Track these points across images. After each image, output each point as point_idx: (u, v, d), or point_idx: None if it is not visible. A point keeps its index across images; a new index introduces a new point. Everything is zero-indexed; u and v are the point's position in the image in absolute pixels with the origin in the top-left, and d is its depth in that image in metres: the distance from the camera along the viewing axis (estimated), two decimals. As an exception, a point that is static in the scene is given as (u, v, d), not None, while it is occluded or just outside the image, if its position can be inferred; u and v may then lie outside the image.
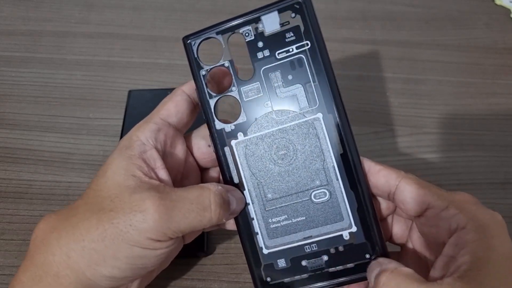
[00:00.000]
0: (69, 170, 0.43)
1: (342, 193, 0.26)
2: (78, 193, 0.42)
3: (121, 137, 0.45)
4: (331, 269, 0.26)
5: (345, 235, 0.26)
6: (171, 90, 0.49)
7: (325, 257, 0.27)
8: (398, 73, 0.54)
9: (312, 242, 0.27)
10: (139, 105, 0.47)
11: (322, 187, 0.26)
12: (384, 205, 0.28)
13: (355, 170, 0.26)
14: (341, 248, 0.26)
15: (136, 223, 0.24)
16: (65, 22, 0.58)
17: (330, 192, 0.26)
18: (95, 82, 0.51)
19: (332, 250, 0.26)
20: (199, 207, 0.24)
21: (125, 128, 0.45)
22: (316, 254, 0.27)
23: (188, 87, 0.29)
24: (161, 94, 0.49)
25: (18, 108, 0.48)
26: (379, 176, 0.26)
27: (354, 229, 0.26)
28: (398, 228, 0.29)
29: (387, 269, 0.23)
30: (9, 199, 0.41)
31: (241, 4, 0.61)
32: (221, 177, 0.28)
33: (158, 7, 0.60)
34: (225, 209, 0.25)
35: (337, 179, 0.26)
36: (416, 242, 0.28)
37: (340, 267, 0.26)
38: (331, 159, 0.26)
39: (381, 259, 0.25)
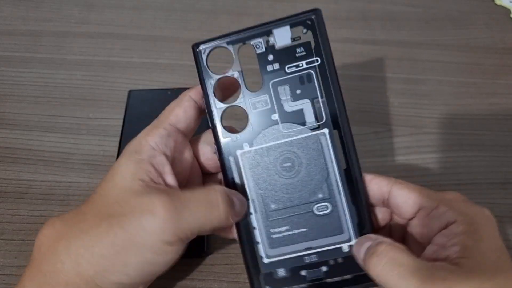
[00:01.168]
0: (69, 170, 0.43)
1: (343, 207, 0.27)
2: (78, 193, 0.42)
3: (121, 137, 0.45)
4: (329, 280, 0.27)
5: (345, 247, 0.27)
6: (171, 90, 0.50)
7: (324, 268, 0.27)
8: (398, 73, 0.54)
9: (312, 253, 0.27)
10: (139, 105, 0.47)
11: (324, 201, 0.27)
12: (380, 216, 0.29)
13: (357, 186, 0.27)
14: (340, 260, 0.27)
15: (146, 225, 0.24)
16: (65, 22, 0.58)
17: (332, 206, 0.27)
18: (95, 82, 0.51)
19: (331, 262, 0.27)
20: (208, 205, 0.25)
21: (125, 128, 0.45)
22: (315, 265, 0.27)
23: (195, 93, 0.29)
24: (161, 94, 0.49)
25: (18, 108, 0.48)
26: (371, 185, 0.27)
27: (353, 242, 0.27)
28: (396, 238, 0.29)
29: (384, 241, 0.24)
30: (9, 199, 0.41)
31: (240, 4, 0.61)
32: (223, 184, 0.29)
33: (158, 7, 0.60)
34: (232, 207, 0.25)
35: (340, 194, 0.27)
36: (412, 247, 0.28)
37: (338, 278, 0.27)
38: (335, 173, 0.27)
39: (371, 235, 0.26)
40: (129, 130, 0.45)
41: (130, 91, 0.48)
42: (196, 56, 0.27)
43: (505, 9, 0.62)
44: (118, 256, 0.24)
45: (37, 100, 0.49)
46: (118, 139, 0.45)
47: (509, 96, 0.52)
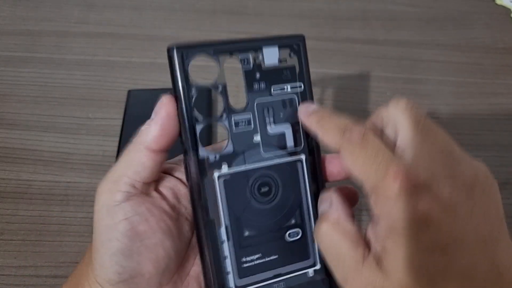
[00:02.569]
0: (69, 170, 0.43)
1: (311, 233, 0.27)
2: (78, 193, 0.42)
3: (121, 137, 0.45)
4: None
5: (310, 272, 0.27)
6: (170, 90, 0.49)
7: None
8: (398, 73, 0.54)
9: (281, 280, 0.27)
10: (139, 105, 0.47)
11: (296, 226, 0.27)
12: None
13: None
14: (305, 285, 0.27)
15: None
16: (64, 22, 0.58)
17: (302, 231, 0.27)
18: (95, 82, 0.51)
19: (297, 287, 0.27)
20: None
21: (125, 128, 0.45)
22: None
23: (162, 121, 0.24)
24: (161, 94, 0.49)
25: (17, 108, 0.48)
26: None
27: (318, 266, 0.27)
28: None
29: (328, 219, 0.24)
30: (8, 199, 0.41)
31: (240, 4, 0.61)
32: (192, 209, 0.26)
33: (158, 7, 0.60)
34: None
35: (310, 219, 0.27)
36: None
37: None
38: (307, 199, 0.27)
39: (333, 196, 0.25)
40: (129, 130, 0.45)
41: (129, 91, 0.48)
42: (176, 60, 0.24)
43: (505, 9, 0.62)
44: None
45: (37, 100, 0.49)
46: (117, 139, 0.45)
47: (509, 96, 0.52)
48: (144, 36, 0.56)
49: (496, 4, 0.63)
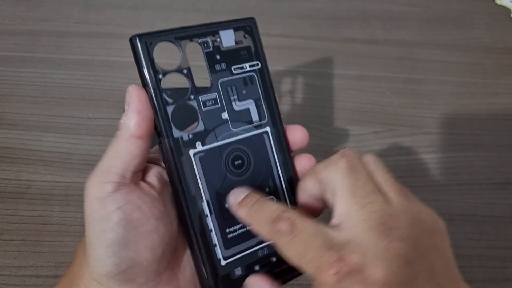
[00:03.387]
0: (68, 170, 0.43)
1: (286, 198, 0.29)
2: (78, 193, 0.42)
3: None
4: (278, 269, 0.28)
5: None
6: (170, 90, 0.49)
7: (274, 259, 0.28)
8: (398, 73, 0.54)
9: (264, 246, 0.28)
10: (139, 105, 0.47)
11: (271, 194, 0.28)
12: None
13: (293, 175, 0.29)
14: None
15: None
16: (64, 22, 0.58)
17: (276, 198, 0.28)
18: (95, 82, 0.51)
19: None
20: None
21: (125, 128, 0.45)
22: (267, 257, 0.28)
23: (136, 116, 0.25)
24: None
25: (17, 108, 0.48)
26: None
27: None
28: None
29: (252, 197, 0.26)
30: (8, 199, 0.41)
31: (240, 4, 0.61)
32: (171, 189, 0.27)
33: (158, 7, 0.60)
34: None
35: (282, 186, 0.29)
36: None
37: (285, 266, 0.28)
38: (277, 168, 0.29)
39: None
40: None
41: (129, 91, 0.48)
42: (141, 48, 0.27)
43: (505, 9, 0.62)
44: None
45: (36, 100, 0.49)
46: (117, 139, 0.45)
47: (509, 96, 0.52)
48: (144, 36, 0.56)
49: (496, 4, 0.63)
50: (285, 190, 0.29)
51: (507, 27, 0.60)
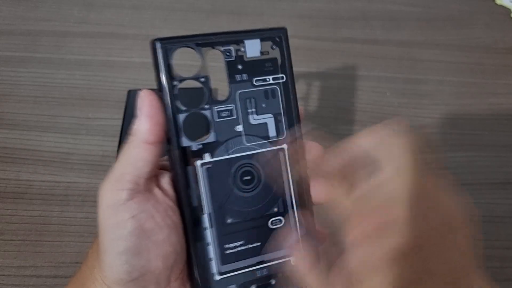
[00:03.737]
0: (68, 170, 0.43)
1: (295, 219, 0.28)
2: (77, 193, 0.42)
3: (121, 137, 0.45)
4: None
5: (293, 259, 0.27)
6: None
7: (273, 281, 0.27)
8: (398, 73, 0.54)
9: (263, 267, 0.27)
10: (139, 105, 0.47)
11: (279, 214, 0.27)
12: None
13: (307, 199, 0.28)
14: (287, 272, 0.27)
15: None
16: (64, 22, 0.58)
17: (286, 219, 0.27)
18: (94, 82, 0.51)
19: (280, 274, 0.27)
20: None
21: (125, 128, 0.45)
22: (265, 279, 0.27)
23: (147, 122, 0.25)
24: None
25: (17, 108, 0.48)
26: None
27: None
28: None
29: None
30: (8, 199, 0.41)
31: (240, 4, 0.61)
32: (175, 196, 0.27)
33: (158, 7, 0.60)
34: None
35: (292, 208, 0.27)
36: None
37: None
38: (289, 188, 0.27)
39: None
40: (129, 130, 0.45)
41: (129, 91, 0.48)
42: (160, 52, 0.25)
43: (505, 9, 0.62)
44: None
45: (36, 100, 0.49)
46: (117, 139, 0.45)
47: (509, 96, 0.52)
48: (144, 36, 0.56)
49: (496, 4, 0.63)
50: (295, 213, 0.27)
51: (507, 27, 0.60)
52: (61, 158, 0.44)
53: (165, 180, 0.26)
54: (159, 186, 0.26)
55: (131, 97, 0.48)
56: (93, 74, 0.52)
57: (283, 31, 0.27)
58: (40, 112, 0.48)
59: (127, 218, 0.24)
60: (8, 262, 0.37)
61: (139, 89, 0.53)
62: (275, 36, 0.27)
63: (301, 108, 0.28)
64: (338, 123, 0.48)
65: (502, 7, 0.62)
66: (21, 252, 0.38)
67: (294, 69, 0.28)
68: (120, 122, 0.46)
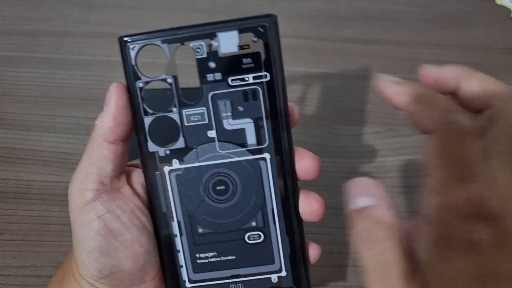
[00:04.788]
0: (68, 170, 0.43)
1: (277, 238, 0.25)
2: (77, 193, 0.42)
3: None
4: None
5: (274, 278, 0.26)
6: (170, 90, 0.49)
7: None
8: (398, 73, 0.54)
9: (239, 282, 0.26)
10: (139, 105, 0.47)
11: (258, 229, 0.25)
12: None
13: (294, 216, 0.25)
14: None
15: None
16: (64, 22, 0.58)
17: (265, 235, 0.25)
18: (95, 82, 0.51)
19: None
20: None
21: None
22: None
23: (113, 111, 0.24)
24: (161, 94, 0.49)
25: (17, 108, 0.48)
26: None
27: (283, 273, 0.26)
28: None
29: (378, 217, 0.20)
30: (8, 199, 0.41)
31: (240, 4, 0.61)
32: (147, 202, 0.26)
33: (158, 7, 0.60)
34: None
35: (274, 223, 0.25)
36: None
37: None
38: (272, 202, 0.25)
39: (374, 187, 0.21)
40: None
41: (129, 91, 0.48)
42: (123, 51, 0.24)
43: (505, 9, 0.62)
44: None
45: (36, 100, 0.49)
46: (117, 139, 0.45)
47: (510, 96, 0.52)
48: (144, 36, 0.56)
49: (496, 4, 0.63)
50: (278, 230, 0.25)
51: (507, 27, 0.60)
52: (61, 158, 0.44)
53: (138, 179, 0.26)
54: (129, 184, 0.25)
55: (131, 97, 0.48)
56: (93, 74, 0.52)
57: (269, 19, 0.23)
58: (40, 112, 0.48)
59: (93, 218, 0.24)
60: (8, 262, 0.37)
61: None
62: (258, 26, 0.23)
63: (295, 108, 0.25)
64: (338, 123, 0.48)
65: (502, 7, 0.62)
66: (21, 252, 0.38)
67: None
68: (120, 122, 0.46)
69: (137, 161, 0.26)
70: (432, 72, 0.23)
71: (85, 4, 0.60)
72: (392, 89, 0.22)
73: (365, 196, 0.20)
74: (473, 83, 0.22)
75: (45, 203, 0.41)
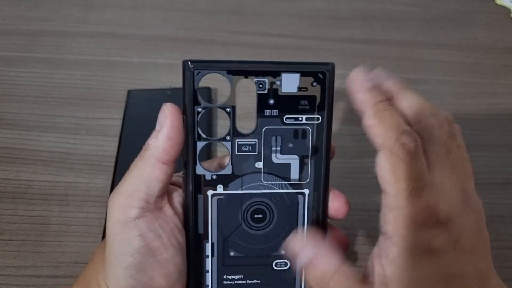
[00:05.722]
0: (68, 170, 0.43)
1: (301, 266, 0.26)
2: (77, 193, 0.42)
3: (121, 137, 0.45)
4: None
5: None
6: (170, 90, 0.49)
7: None
8: (398, 73, 0.54)
9: None
10: (139, 105, 0.47)
11: (286, 258, 0.26)
12: None
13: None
14: None
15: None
16: (64, 22, 0.58)
17: (292, 265, 0.26)
18: (94, 82, 0.51)
19: None
20: None
21: (125, 128, 0.45)
22: None
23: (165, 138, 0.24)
24: (161, 94, 0.49)
25: (17, 108, 0.48)
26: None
27: None
28: None
29: (329, 268, 0.23)
30: (8, 199, 0.41)
31: (240, 4, 0.61)
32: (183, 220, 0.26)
33: (158, 7, 0.60)
34: None
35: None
36: None
37: None
38: (303, 235, 0.26)
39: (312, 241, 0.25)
40: (129, 130, 0.45)
41: (129, 91, 0.48)
42: (188, 75, 0.24)
43: (505, 9, 0.62)
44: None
45: (36, 100, 0.49)
46: (117, 139, 0.45)
47: (509, 96, 0.52)
48: (144, 35, 0.56)
49: (496, 4, 0.63)
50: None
51: (507, 27, 0.60)
52: (61, 158, 0.44)
53: (177, 199, 0.26)
54: (170, 203, 0.26)
55: (131, 97, 0.48)
56: (93, 74, 0.52)
57: (329, 67, 0.25)
58: (40, 112, 0.48)
59: (135, 235, 0.24)
60: (8, 262, 0.37)
61: (139, 89, 0.54)
62: (319, 72, 0.25)
63: (333, 146, 0.26)
64: (338, 123, 0.48)
65: (502, 7, 0.62)
66: (21, 252, 0.38)
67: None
68: (120, 122, 0.46)
69: (176, 179, 0.26)
70: (372, 79, 0.27)
71: (85, 4, 0.60)
72: (359, 96, 0.25)
73: (305, 250, 0.24)
74: (404, 101, 0.26)
75: (45, 203, 0.41)
